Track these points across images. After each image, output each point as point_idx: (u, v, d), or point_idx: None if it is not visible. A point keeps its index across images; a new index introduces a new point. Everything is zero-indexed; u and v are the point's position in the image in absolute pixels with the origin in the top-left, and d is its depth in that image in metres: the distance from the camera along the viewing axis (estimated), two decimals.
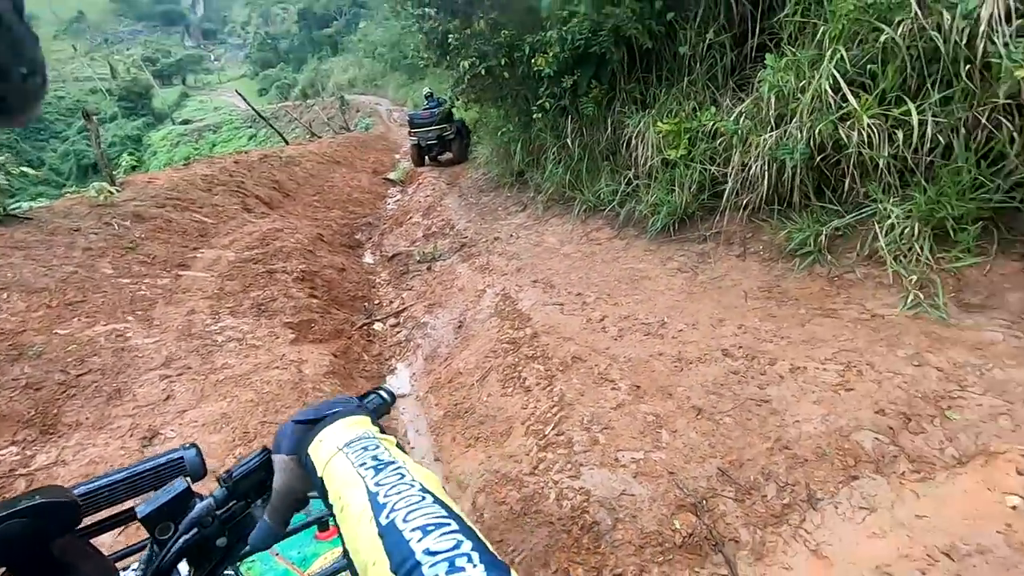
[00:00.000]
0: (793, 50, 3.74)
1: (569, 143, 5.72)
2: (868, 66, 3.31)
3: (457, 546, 0.39)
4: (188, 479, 0.76)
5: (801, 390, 2.60)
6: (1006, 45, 2.66)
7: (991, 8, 2.72)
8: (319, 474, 0.53)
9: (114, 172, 6.00)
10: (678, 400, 2.73)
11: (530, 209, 6.36)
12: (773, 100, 3.65)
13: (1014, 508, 2.04)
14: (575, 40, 5.00)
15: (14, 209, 4.44)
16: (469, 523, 0.43)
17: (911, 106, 2.97)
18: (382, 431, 0.60)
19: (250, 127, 36.25)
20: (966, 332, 2.62)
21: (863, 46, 3.36)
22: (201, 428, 2.71)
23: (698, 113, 4.44)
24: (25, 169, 4.56)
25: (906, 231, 2.97)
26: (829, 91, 3.30)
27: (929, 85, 3.00)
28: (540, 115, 5.78)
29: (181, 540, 0.67)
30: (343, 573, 0.92)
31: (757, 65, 4.20)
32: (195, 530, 0.69)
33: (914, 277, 2.86)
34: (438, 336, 4.33)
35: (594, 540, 2.27)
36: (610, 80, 5.31)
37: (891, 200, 3.09)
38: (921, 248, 2.91)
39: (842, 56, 3.30)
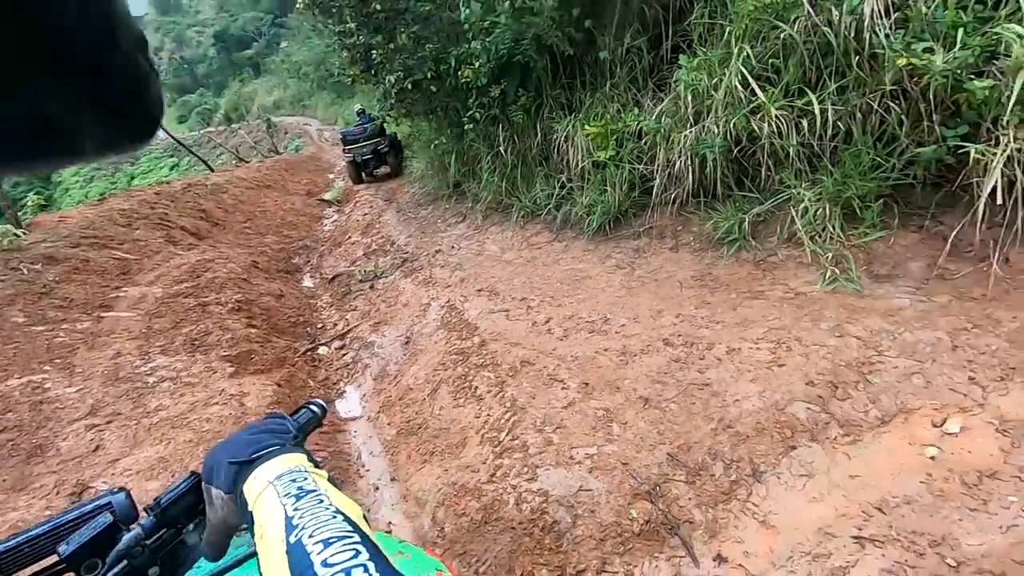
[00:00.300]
0: (704, 50, 3.95)
1: (502, 151, 5.79)
2: (771, 61, 3.54)
3: (355, 556, 0.41)
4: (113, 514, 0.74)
5: (738, 370, 2.73)
6: (887, 36, 2.91)
7: (872, 4, 2.97)
8: (250, 508, 0.54)
9: (20, 213, 5.57)
10: (626, 392, 2.80)
11: (469, 219, 6.38)
12: (690, 98, 3.83)
13: (932, 459, 2.21)
14: (499, 50, 5.08)
15: None
16: (373, 538, 0.45)
17: (812, 96, 3.20)
18: (316, 465, 0.61)
19: (171, 156, 34.51)
20: (878, 301, 2.83)
21: (765, 43, 3.59)
22: (136, 476, 2.55)
23: (622, 114, 4.60)
24: None
25: (819, 212, 3.19)
26: (739, 87, 3.50)
27: (826, 76, 3.24)
28: (472, 126, 5.83)
29: (111, 575, 0.64)
30: None
31: (673, 66, 4.40)
32: (124, 562, 0.66)
33: (830, 254, 3.07)
34: (386, 354, 4.26)
35: (556, 539, 2.29)
36: (536, 87, 5.42)
37: (803, 185, 3.31)
38: (833, 227, 3.13)
39: (747, 54, 3.51)
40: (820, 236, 3.18)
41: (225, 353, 3.94)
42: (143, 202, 7.15)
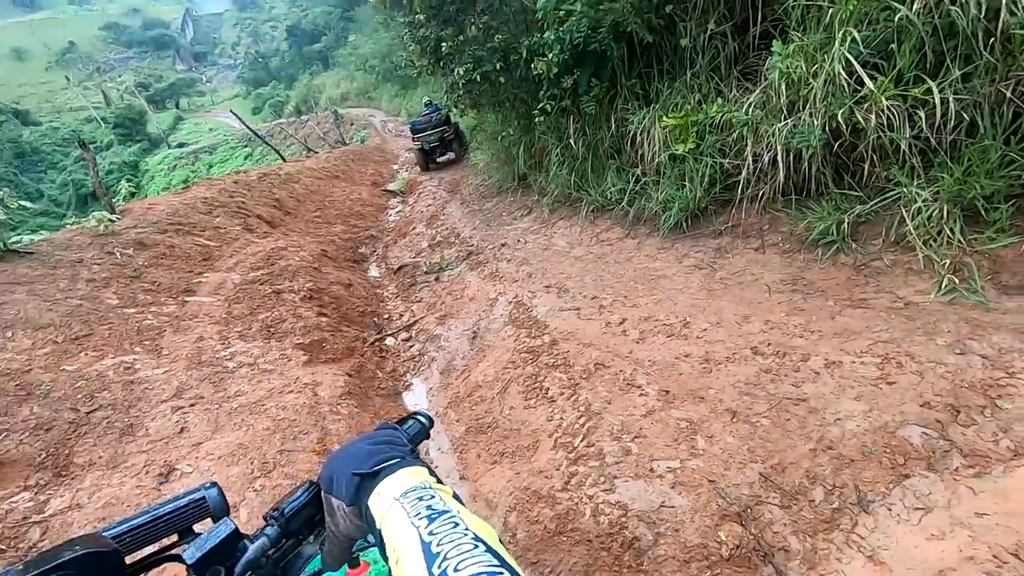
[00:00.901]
0: (800, 35, 3.65)
1: (572, 143, 5.63)
2: (881, 46, 3.22)
3: None
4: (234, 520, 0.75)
5: (839, 386, 2.49)
6: None
7: None
8: (377, 526, 0.53)
9: (113, 200, 5.93)
10: (710, 403, 2.62)
11: (536, 212, 6.26)
12: (784, 88, 3.55)
13: None
14: (573, 39, 4.91)
15: (15, 244, 4.36)
16: (517, 568, 0.44)
17: (932, 84, 2.87)
18: (439, 481, 0.60)
19: (245, 146, 36.29)
20: (1008, 316, 2.51)
21: (875, 27, 3.26)
22: (218, 461, 2.62)
23: (704, 106, 4.35)
24: (24, 203, 4.47)
25: (934, 213, 2.87)
26: (843, 74, 3.20)
27: (949, 62, 2.90)
28: (541, 118, 5.70)
29: None
30: None
31: (761, 54, 4.10)
32: (249, 573, 0.67)
33: (947, 261, 2.75)
34: (452, 348, 4.23)
35: (635, 556, 2.17)
36: (611, 77, 5.22)
37: (916, 183, 2.99)
38: (952, 230, 2.81)
39: (854, 38, 3.20)
40: (935, 240, 2.86)
41: (299, 341, 4.02)
42: (223, 191, 7.47)
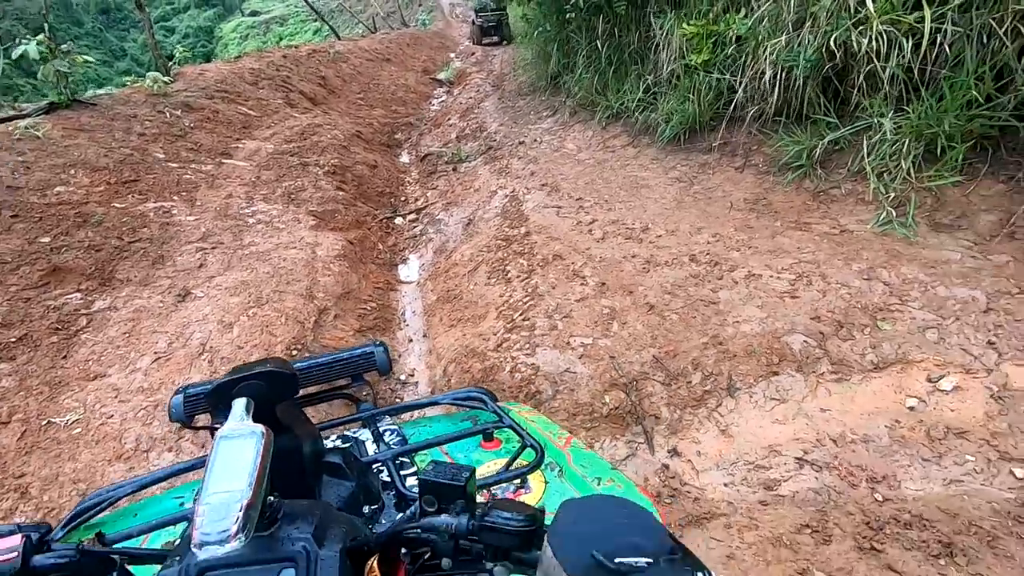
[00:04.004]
0: None
1: (599, 45, 5.56)
2: None
3: None
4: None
5: (749, 295, 2.76)
6: None
7: None
8: None
9: (170, 63, 6.40)
10: (635, 297, 2.96)
11: (559, 114, 6.33)
12: (793, 2, 3.46)
13: (911, 409, 2.22)
14: None
15: (84, 96, 4.94)
16: None
17: (926, 11, 2.79)
18: None
19: (315, 21, 35.81)
20: (926, 250, 2.65)
21: None
22: (225, 291, 3.21)
23: (728, 14, 4.23)
24: (87, 58, 4.98)
25: (897, 147, 2.91)
26: None
27: None
28: (573, 14, 5.60)
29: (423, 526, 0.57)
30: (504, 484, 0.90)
31: None
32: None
33: (892, 194, 2.85)
34: (449, 232, 4.64)
35: (534, 405, 2.64)
36: None
37: (890, 115, 3.00)
38: (908, 165, 2.86)
39: None
40: (890, 173, 2.93)
41: (313, 208, 4.52)
42: (271, 63, 7.81)
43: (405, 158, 7.27)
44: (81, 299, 3.05)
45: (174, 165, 4.60)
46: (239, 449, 0.55)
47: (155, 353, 2.75)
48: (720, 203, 3.55)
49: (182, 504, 0.96)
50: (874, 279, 2.61)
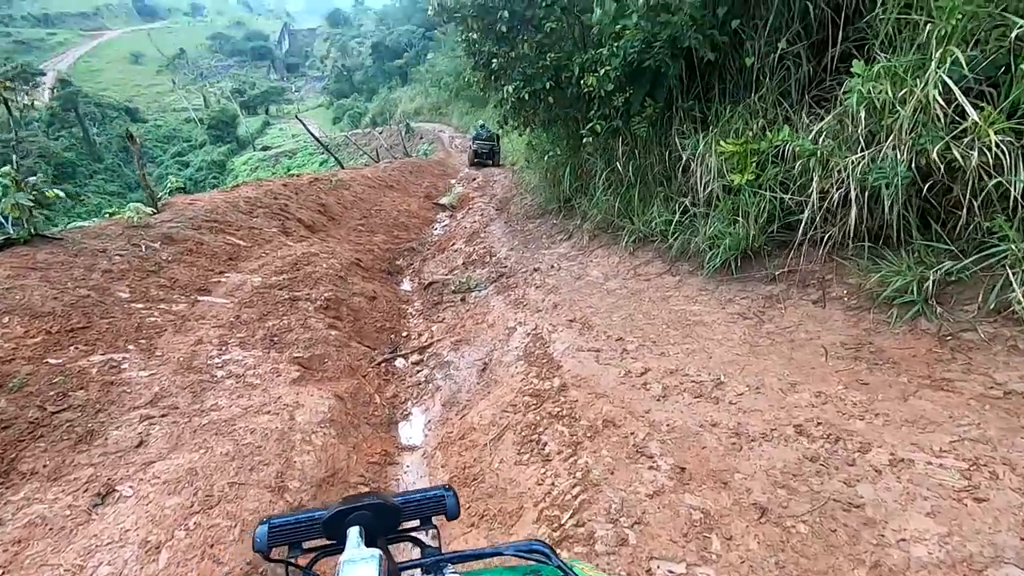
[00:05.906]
0: (887, 56, 3.10)
1: (620, 167, 5.20)
2: (991, 70, 2.64)
3: None
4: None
5: (908, 493, 1.92)
6: None
7: None
8: None
9: (161, 193, 6.01)
10: (735, 492, 2.11)
11: (575, 238, 5.85)
12: (863, 115, 3.01)
13: None
14: (628, 55, 4.52)
15: (47, 230, 4.40)
16: None
17: None
18: None
19: (322, 153, 37.87)
20: None
21: (984, 47, 2.69)
22: (161, 487, 2.35)
23: (768, 132, 3.82)
24: (58, 191, 4.51)
25: None
26: (939, 101, 2.64)
27: None
28: (590, 138, 5.31)
29: None
30: None
31: (840, 77, 3.56)
32: None
33: None
34: (460, 378, 3.86)
35: None
36: (666, 98, 4.77)
37: None
38: None
39: (956, 59, 2.63)
40: None
41: (298, 354, 3.77)
42: (269, 192, 7.51)
43: (407, 285, 6.69)
44: None
45: (139, 306, 3.92)
46: (362, 572, 0.65)
47: None
48: (808, 348, 2.83)
49: None
50: None
